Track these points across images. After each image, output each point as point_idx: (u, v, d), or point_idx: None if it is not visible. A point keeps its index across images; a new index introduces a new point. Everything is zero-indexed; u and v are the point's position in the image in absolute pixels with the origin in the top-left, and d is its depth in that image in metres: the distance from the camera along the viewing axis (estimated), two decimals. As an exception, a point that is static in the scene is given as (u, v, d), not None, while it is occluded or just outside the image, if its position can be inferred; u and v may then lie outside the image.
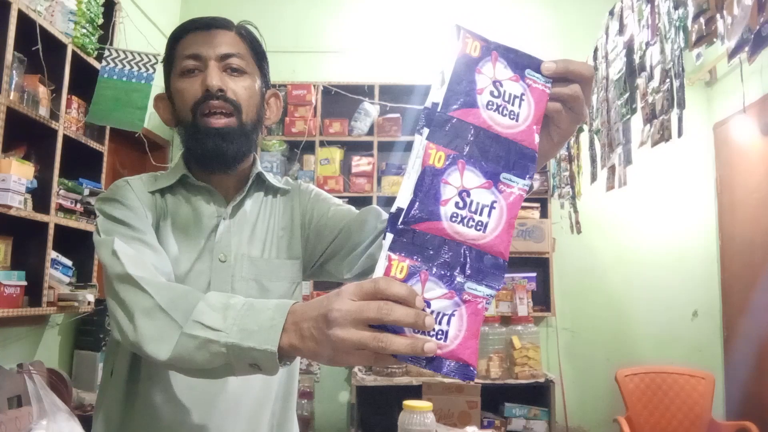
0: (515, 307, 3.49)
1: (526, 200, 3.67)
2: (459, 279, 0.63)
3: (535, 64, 0.70)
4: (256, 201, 1.07)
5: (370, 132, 3.79)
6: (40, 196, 2.33)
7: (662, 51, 1.89)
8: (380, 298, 0.60)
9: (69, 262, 2.55)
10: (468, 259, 0.63)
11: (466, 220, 0.64)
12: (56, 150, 2.42)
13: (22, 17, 2.20)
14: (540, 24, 4.04)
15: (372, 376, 3.17)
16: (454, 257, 0.63)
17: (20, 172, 2.14)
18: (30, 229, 2.30)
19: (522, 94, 0.68)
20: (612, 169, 2.50)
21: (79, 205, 2.55)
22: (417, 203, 0.64)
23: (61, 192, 2.44)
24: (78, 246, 2.65)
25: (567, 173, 3.32)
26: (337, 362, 0.64)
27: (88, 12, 2.59)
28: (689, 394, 3.45)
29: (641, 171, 3.44)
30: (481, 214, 0.64)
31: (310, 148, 3.76)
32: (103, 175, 2.79)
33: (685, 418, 3.42)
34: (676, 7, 1.79)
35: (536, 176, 3.69)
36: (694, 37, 1.66)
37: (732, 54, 1.43)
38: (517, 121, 0.67)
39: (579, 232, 3.35)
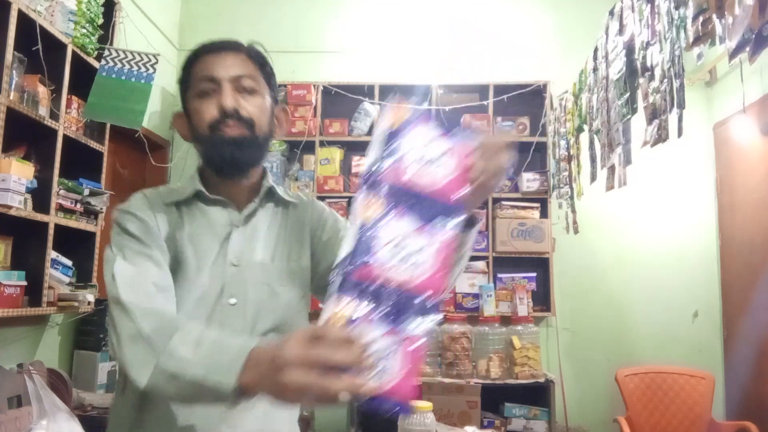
0: (515, 307, 3.49)
1: (526, 200, 3.67)
2: (398, 319, 0.68)
3: (460, 128, 0.81)
4: (267, 211, 1.12)
5: (370, 132, 3.79)
6: (40, 196, 2.33)
7: (662, 51, 1.89)
8: (325, 341, 0.65)
9: (69, 262, 2.55)
10: (405, 300, 0.70)
11: (401, 265, 0.71)
12: (56, 150, 2.42)
13: (22, 17, 2.20)
14: (540, 24, 4.04)
15: (372, 376, 3.17)
16: (392, 299, 0.69)
17: (20, 172, 2.14)
18: (30, 229, 2.31)
19: (447, 153, 0.78)
20: (612, 169, 2.49)
21: (79, 205, 2.55)
22: (357, 251, 0.71)
23: (61, 192, 2.44)
24: (78, 246, 2.65)
25: (566, 173, 3.32)
26: (289, 402, 0.70)
27: (88, 12, 2.59)
28: (689, 394, 3.45)
29: (641, 171, 3.43)
30: (414, 258, 0.72)
31: (310, 148, 3.76)
32: (103, 175, 2.79)
33: (685, 418, 3.42)
34: (676, 7, 1.79)
35: (536, 176, 3.69)
36: (691, 37, 1.66)
37: (733, 54, 1.43)
38: (442, 176, 0.77)
39: (576, 232, 3.35)
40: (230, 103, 1.02)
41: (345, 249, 0.72)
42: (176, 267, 1.01)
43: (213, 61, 1.05)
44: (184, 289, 1.01)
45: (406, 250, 0.72)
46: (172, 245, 1.02)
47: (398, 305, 0.69)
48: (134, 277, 0.93)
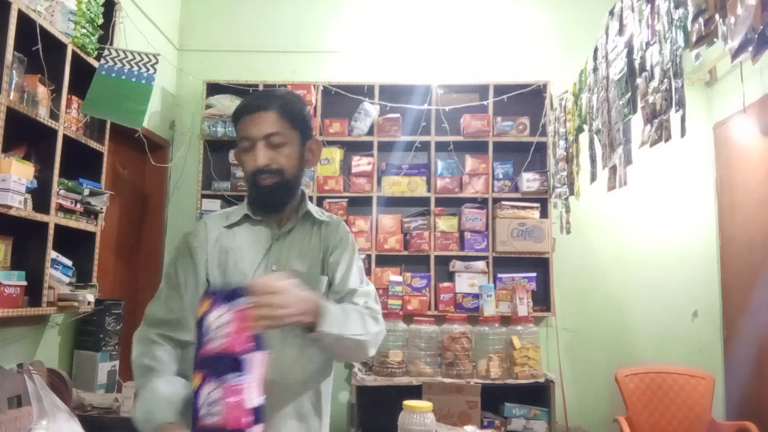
0: (515, 307, 3.49)
1: (526, 200, 3.67)
2: None
3: (243, 292, 1.08)
4: (305, 228, 1.40)
5: (370, 132, 3.79)
6: (40, 196, 2.32)
7: (661, 51, 1.89)
8: None
9: (69, 262, 2.55)
10: None
11: (207, 416, 1.04)
12: (56, 150, 2.42)
13: (22, 17, 2.20)
14: (540, 24, 4.04)
15: (372, 376, 3.17)
16: None
17: (20, 172, 2.14)
18: (30, 229, 2.30)
19: (232, 318, 1.06)
20: (613, 169, 2.49)
21: (79, 205, 2.55)
22: (192, 411, 1.07)
23: (61, 192, 2.44)
24: (78, 246, 2.65)
25: (565, 173, 3.31)
26: None
27: (88, 12, 2.59)
28: (689, 394, 3.45)
29: (641, 171, 3.44)
30: (215, 408, 1.04)
31: (310, 148, 3.75)
32: (103, 176, 2.79)
33: (685, 418, 3.42)
34: (676, 7, 1.78)
35: (536, 176, 3.69)
36: (694, 38, 1.66)
37: (735, 54, 1.42)
38: (228, 338, 1.05)
39: (568, 232, 3.36)
40: (262, 161, 1.30)
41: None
42: (229, 275, 1.30)
43: (249, 121, 1.31)
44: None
45: (210, 404, 1.04)
46: (225, 258, 1.32)
47: None
48: (148, 331, 1.28)
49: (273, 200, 1.34)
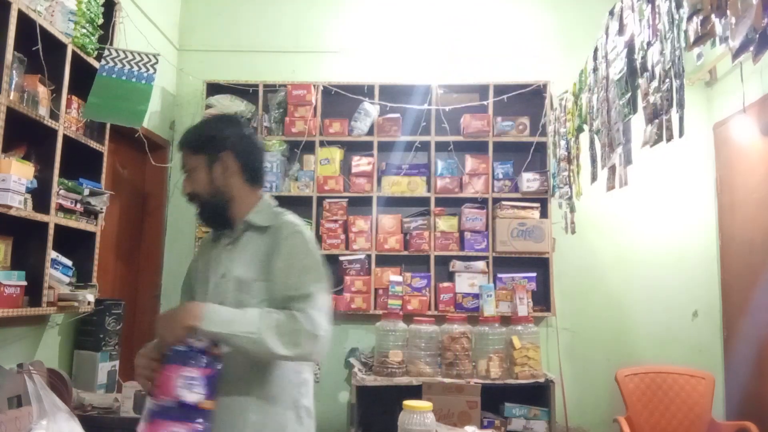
0: (515, 307, 3.49)
1: (526, 200, 3.67)
2: None
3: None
4: (251, 236, 1.51)
5: (370, 132, 3.79)
6: (40, 196, 2.32)
7: (662, 51, 1.89)
8: None
9: (69, 262, 2.55)
10: None
11: None
12: (56, 150, 2.42)
13: (22, 17, 2.20)
14: (540, 24, 4.04)
15: (372, 376, 3.17)
16: None
17: (20, 172, 2.14)
18: (30, 229, 2.30)
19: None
20: (612, 168, 2.49)
21: (79, 205, 2.55)
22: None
23: (61, 192, 2.44)
24: (78, 246, 2.65)
25: (566, 173, 3.31)
26: None
27: (88, 12, 2.59)
28: (689, 394, 3.45)
29: (641, 171, 3.44)
30: None
31: (310, 148, 3.76)
32: (103, 176, 2.79)
33: (685, 418, 3.42)
34: (677, 7, 1.79)
35: (536, 176, 3.69)
36: (692, 37, 1.66)
37: (736, 54, 1.42)
38: None
39: (573, 232, 3.36)
40: (184, 191, 1.54)
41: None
42: (202, 282, 1.53)
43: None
44: (201, 296, 1.50)
45: None
46: (206, 265, 1.55)
47: None
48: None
49: (203, 219, 1.56)
